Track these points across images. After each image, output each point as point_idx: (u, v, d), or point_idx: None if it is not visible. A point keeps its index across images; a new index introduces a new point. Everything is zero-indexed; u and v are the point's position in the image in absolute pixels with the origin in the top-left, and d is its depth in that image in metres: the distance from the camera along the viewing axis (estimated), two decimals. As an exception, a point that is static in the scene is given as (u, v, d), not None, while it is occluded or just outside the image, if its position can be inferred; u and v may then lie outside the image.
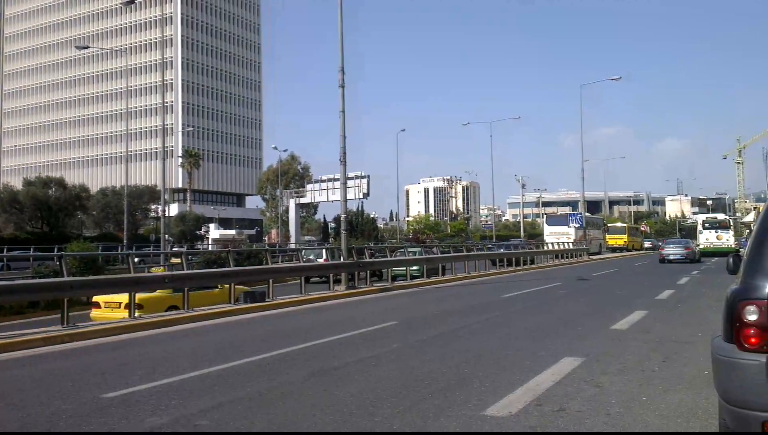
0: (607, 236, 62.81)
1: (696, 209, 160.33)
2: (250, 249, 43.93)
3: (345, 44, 20.83)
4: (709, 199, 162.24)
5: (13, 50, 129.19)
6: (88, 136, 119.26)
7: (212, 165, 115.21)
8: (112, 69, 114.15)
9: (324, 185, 62.94)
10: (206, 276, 16.16)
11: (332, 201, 62.36)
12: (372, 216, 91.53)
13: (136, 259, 17.64)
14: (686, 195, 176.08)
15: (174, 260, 28.30)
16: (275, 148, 78.46)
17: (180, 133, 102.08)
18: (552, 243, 44.08)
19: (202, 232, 71.42)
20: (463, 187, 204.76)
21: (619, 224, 75.53)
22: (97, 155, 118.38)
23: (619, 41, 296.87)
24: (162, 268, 23.88)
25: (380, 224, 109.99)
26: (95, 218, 65.13)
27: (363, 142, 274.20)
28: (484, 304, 15.37)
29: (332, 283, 18.96)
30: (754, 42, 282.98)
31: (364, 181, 58.04)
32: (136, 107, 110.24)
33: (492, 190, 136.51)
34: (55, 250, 37.54)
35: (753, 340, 3.97)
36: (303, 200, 67.73)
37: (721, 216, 56.47)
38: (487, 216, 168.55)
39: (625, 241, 61.64)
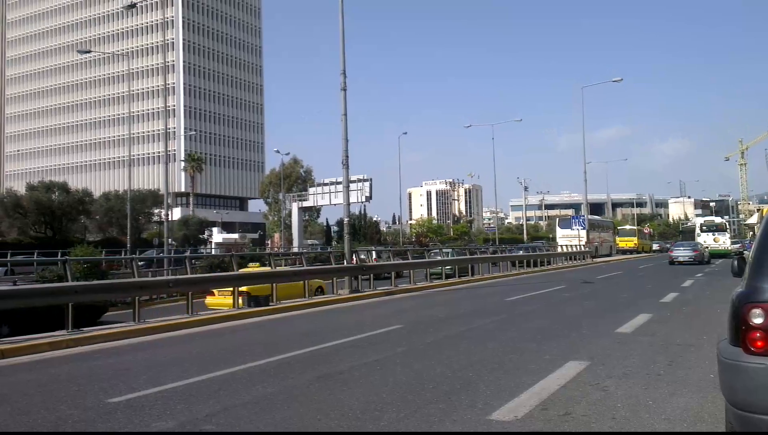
0: (618, 239, 63.71)
1: (699, 211, 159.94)
2: (253, 253, 43.96)
3: (346, 47, 20.87)
4: (712, 201, 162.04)
5: (15, 54, 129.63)
6: (91, 140, 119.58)
7: (215, 169, 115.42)
8: (114, 73, 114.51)
9: (326, 188, 63.01)
10: (210, 280, 16.17)
11: (335, 204, 62.46)
12: (375, 219, 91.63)
13: (140, 263, 17.65)
14: (689, 197, 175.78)
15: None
16: (277, 151, 78.75)
17: (182, 137, 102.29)
18: (563, 245, 45.08)
19: (205, 236, 71.54)
20: (465, 189, 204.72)
21: (628, 227, 76.89)
22: (100, 159, 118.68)
23: (620, 42, 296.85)
24: (256, 264, 24.22)
25: (383, 227, 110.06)
26: (98, 223, 65.18)
27: (365, 146, 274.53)
28: (488, 307, 15.35)
29: (336, 287, 18.98)
30: (757, 42, 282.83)
31: (367, 184, 58.07)
32: (138, 111, 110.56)
33: (494, 192, 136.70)
34: (59, 254, 37.61)
35: (759, 343, 3.97)
36: (305, 204, 67.80)
37: (718, 219, 59.55)
38: (489, 219, 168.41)
39: (635, 244, 63.19)
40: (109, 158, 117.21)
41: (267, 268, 18.74)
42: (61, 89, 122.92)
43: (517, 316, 13.22)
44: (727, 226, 54.88)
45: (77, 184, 73.67)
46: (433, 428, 5.17)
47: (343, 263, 20.38)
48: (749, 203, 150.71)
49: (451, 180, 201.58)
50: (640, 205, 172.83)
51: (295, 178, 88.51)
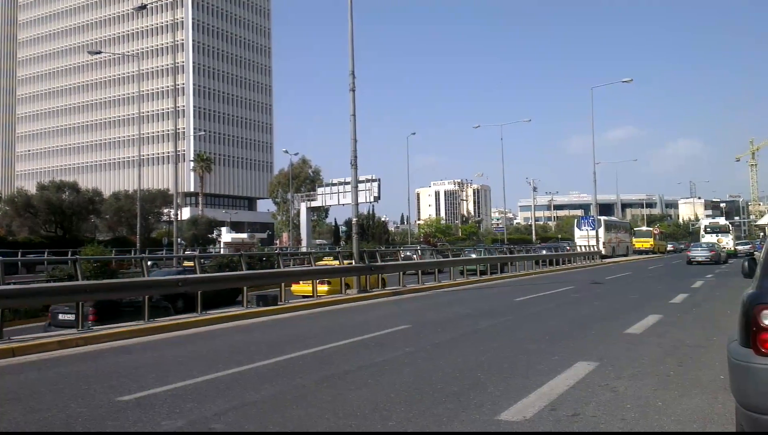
0: (634, 240, 65.10)
1: (709, 212, 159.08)
2: (262, 252, 44.07)
3: (355, 48, 20.90)
4: (723, 201, 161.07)
5: (26, 55, 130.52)
6: (101, 140, 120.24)
7: (224, 169, 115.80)
8: (124, 74, 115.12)
9: (335, 189, 63.07)
10: (219, 279, 16.23)
11: (343, 204, 62.52)
12: (383, 219, 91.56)
13: (149, 263, 17.73)
14: (699, 198, 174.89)
15: (187, 263, 28.43)
16: (286, 151, 78.85)
17: (192, 137, 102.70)
18: (581, 245, 46.95)
19: (214, 235, 71.77)
20: (473, 190, 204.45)
21: (644, 228, 78.84)
22: (110, 159, 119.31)
23: (629, 43, 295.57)
24: (330, 257, 25.67)
25: (391, 228, 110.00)
26: (108, 222, 65.60)
27: (374, 146, 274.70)
28: (497, 307, 15.32)
29: (343, 287, 19.01)
30: (767, 42, 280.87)
31: (375, 184, 58.09)
32: (148, 112, 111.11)
33: (503, 193, 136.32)
34: (69, 253, 37.86)
35: (770, 344, 3.94)
36: (314, 204, 67.91)
37: (722, 221, 62.54)
38: (498, 219, 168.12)
39: (651, 244, 65.10)
40: (119, 158, 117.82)
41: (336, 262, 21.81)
42: (72, 90, 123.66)
43: (525, 317, 13.19)
44: (730, 228, 57.44)
45: (87, 184, 74.15)
46: (442, 428, 5.16)
47: (351, 263, 20.40)
48: (760, 204, 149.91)
49: (459, 180, 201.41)
50: (650, 205, 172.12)
51: (304, 178, 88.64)
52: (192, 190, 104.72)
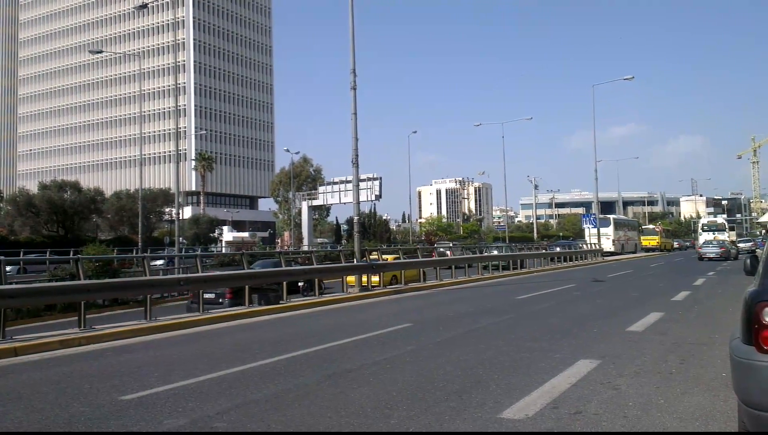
0: (642, 237, 67.13)
1: (711, 209, 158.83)
2: (264, 251, 44.08)
3: (356, 47, 20.88)
4: (724, 199, 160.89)
5: (27, 55, 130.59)
6: (103, 139, 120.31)
7: (225, 168, 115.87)
8: (125, 73, 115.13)
9: (336, 187, 63.04)
10: (220, 278, 16.23)
11: (344, 203, 62.49)
12: (384, 218, 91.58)
13: (152, 262, 17.78)
14: (701, 195, 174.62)
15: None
16: (287, 150, 78.78)
17: (193, 137, 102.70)
18: (593, 243, 48.74)
19: (215, 234, 71.80)
20: (475, 188, 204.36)
21: (651, 227, 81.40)
22: (112, 159, 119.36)
23: (631, 41, 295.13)
24: (391, 256, 26.57)
25: (393, 226, 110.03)
26: (110, 221, 65.60)
27: (375, 144, 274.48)
28: (498, 306, 15.32)
29: (345, 285, 19.03)
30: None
31: (377, 182, 58.06)
32: (149, 111, 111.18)
33: (504, 191, 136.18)
34: (71, 253, 37.88)
35: (772, 342, 3.94)
36: (315, 202, 67.89)
37: (719, 220, 66.03)
38: (499, 217, 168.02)
39: (657, 242, 67.30)
40: (121, 157, 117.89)
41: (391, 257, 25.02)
42: (73, 89, 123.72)
43: (526, 315, 13.19)
44: (726, 226, 60.58)
45: (89, 184, 74.16)
46: (444, 427, 5.16)
47: (353, 261, 20.41)
48: (761, 201, 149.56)
49: (460, 178, 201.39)
50: (652, 203, 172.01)
51: (305, 177, 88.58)
52: (193, 189, 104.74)
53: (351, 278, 20.46)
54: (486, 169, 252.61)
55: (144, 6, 44.70)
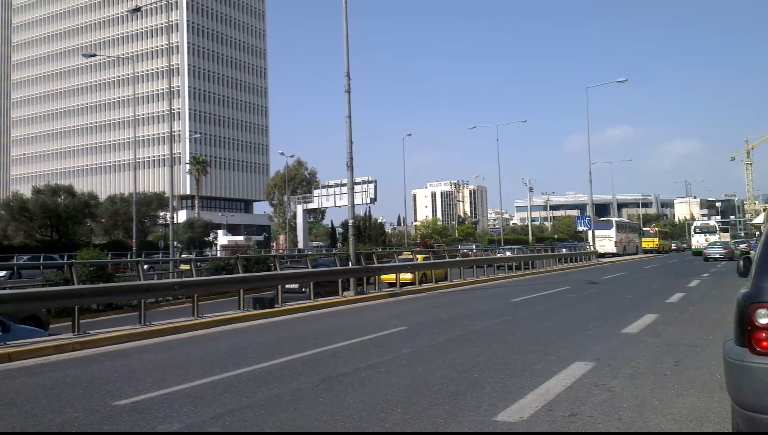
0: (642, 239, 69.85)
1: (705, 211, 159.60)
2: (259, 255, 43.99)
3: (350, 50, 20.88)
4: (718, 201, 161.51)
5: (21, 59, 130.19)
6: (97, 143, 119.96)
7: (220, 171, 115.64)
8: (119, 77, 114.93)
9: (331, 190, 62.99)
10: (215, 282, 16.22)
11: (340, 206, 62.47)
12: (379, 221, 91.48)
13: (145, 266, 17.71)
14: (695, 197, 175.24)
15: (183, 267, 28.41)
16: (282, 153, 78.98)
17: (187, 140, 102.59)
18: (601, 245, 51.88)
19: (210, 238, 71.64)
20: (470, 190, 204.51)
21: (650, 229, 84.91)
22: (106, 163, 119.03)
23: (625, 43, 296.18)
24: (421, 257, 29.27)
25: (388, 229, 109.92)
26: (104, 226, 65.32)
27: (370, 147, 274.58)
28: (492, 308, 15.33)
29: (341, 288, 19.01)
30: (762, 41, 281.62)
31: (371, 186, 58.03)
32: (143, 114, 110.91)
33: (499, 193, 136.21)
34: (65, 258, 37.75)
35: (765, 343, 3.96)
36: (310, 206, 67.81)
37: (711, 222, 68.93)
38: (494, 220, 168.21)
39: (656, 244, 69.97)
40: (115, 161, 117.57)
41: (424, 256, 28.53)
42: (67, 93, 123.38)
43: (521, 318, 13.19)
44: (717, 228, 63.90)
45: (83, 188, 73.88)
46: (439, 429, 5.16)
47: (348, 265, 20.38)
48: (755, 203, 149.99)
49: (455, 181, 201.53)
50: (646, 205, 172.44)
51: (300, 180, 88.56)
52: (188, 192, 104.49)
53: (389, 277, 22.79)
54: (481, 171, 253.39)
55: (138, 9, 44.59)
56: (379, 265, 21.89)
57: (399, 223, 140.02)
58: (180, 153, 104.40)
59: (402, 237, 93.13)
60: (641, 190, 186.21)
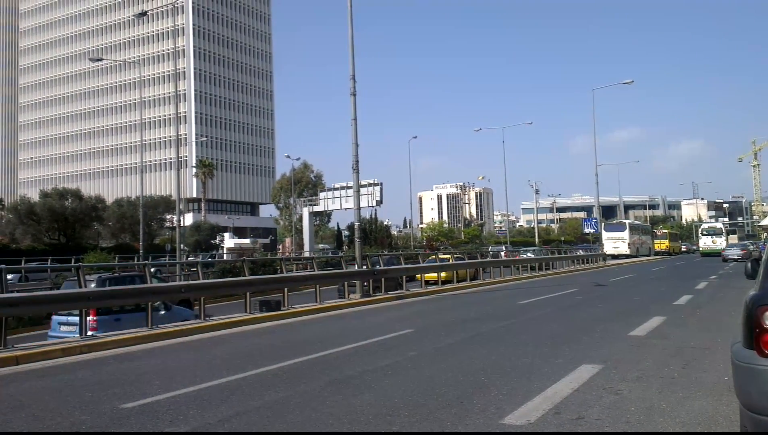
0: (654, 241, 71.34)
1: (712, 213, 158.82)
2: (265, 258, 44.06)
3: (356, 53, 20.92)
4: (726, 202, 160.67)
5: (28, 63, 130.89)
6: (104, 147, 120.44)
7: (226, 174, 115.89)
8: (125, 81, 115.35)
9: (337, 193, 62.99)
10: (222, 285, 16.25)
11: (345, 209, 62.43)
12: (385, 223, 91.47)
13: (152, 269, 17.76)
14: (702, 199, 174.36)
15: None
16: (288, 156, 78.77)
17: (194, 143, 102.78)
18: (614, 247, 54.15)
19: (216, 241, 71.74)
20: (476, 193, 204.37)
21: (661, 231, 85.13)
22: (113, 166, 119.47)
23: (632, 44, 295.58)
24: (449, 256, 32.34)
25: (394, 231, 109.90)
26: (111, 229, 65.58)
27: (375, 150, 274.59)
28: (499, 311, 15.30)
29: (347, 291, 19.03)
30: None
31: (377, 188, 58.01)
32: (150, 118, 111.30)
33: (506, 195, 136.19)
34: (72, 261, 37.90)
35: (774, 346, 3.94)
36: (316, 208, 67.82)
37: (718, 225, 71.15)
38: (501, 222, 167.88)
39: (667, 246, 71.35)
40: (122, 165, 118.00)
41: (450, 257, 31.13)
42: (74, 97, 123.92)
43: (528, 320, 13.16)
44: (723, 231, 65.48)
45: (90, 191, 74.13)
46: (446, 432, 5.15)
47: (354, 267, 20.39)
48: (763, 205, 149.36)
49: (461, 183, 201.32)
50: (653, 207, 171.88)
51: (306, 183, 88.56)
52: (194, 196, 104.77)
53: (432, 275, 24.55)
54: (487, 173, 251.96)
55: (144, 14, 44.85)
56: (386, 267, 21.87)
57: (405, 226, 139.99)
58: (186, 156, 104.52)
59: (408, 239, 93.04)
60: (648, 191, 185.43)
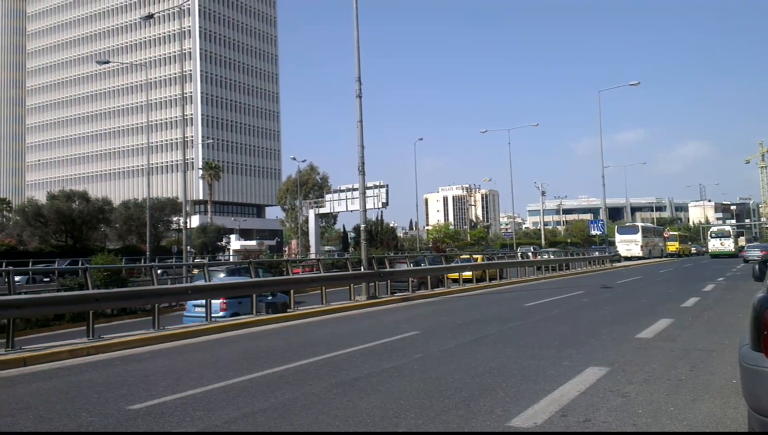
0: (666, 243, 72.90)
1: (720, 215, 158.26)
2: (271, 259, 44.12)
3: (362, 54, 20.94)
4: (733, 204, 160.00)
5: (35, 66, 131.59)
6: (110, 149, 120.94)
7: (232, 176, 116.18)
8: (132, 83, 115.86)
9: (343, 195, 63.02)
10: (228, 287, 16.24)
11: (351, 211, 62.46)
12: (391, 225, 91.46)
13: (159, 271, 17.84)
14: (709, 200, 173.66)
15: (196, 271, 28.52)
16: (294, 158, 78.95)
17: (200, 146, 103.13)
18: (627, 249, 55.92)
19: (223, 243, 71.90)
20: (482, 195, 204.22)
21: (673, 234, 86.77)
22: (120, 168, 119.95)
23: (638, 46, 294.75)
24: (479, 257, 33.96)
25: (400, 233, 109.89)
26: (118, 231, 65.75)
27: (381, 152, 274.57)
28: (506, 313, 15.27)
29: (353, 293, 19.04)
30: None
31: (383, 190, 58.05)
32: (156, 120, 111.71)
33: (511, 197, 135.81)
34: (80, 263, 38.03)
35: (782, 348, 3.93)
36: (322, 210, 67.88)
37: (726, 228, 74.04)
38: (507, 224, 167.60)
39: (677, 247, 72.72)
40: (129, 167, 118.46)
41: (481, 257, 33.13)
42: (81, 99, 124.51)
43: (535, 322, 13.13)
44: (731, 233, 68.22)
45: (97, 193, 74.44)
46: (452, 432, 5.14)
47: (360, 269, 20.39)
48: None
49: (467, 185, 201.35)
50: (660, 209, 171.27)
51: (312, 185, 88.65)
52: (201, 198, 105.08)
53: (465, 274, 26.08)
54: (493, 175, 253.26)
55: (150, 16, 45.13)
56: (390, 269, 21.86)
57: (411, 228, 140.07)
58: (193, 158, 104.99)
59: (414, 241, 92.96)
60: (655, 193, 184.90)
